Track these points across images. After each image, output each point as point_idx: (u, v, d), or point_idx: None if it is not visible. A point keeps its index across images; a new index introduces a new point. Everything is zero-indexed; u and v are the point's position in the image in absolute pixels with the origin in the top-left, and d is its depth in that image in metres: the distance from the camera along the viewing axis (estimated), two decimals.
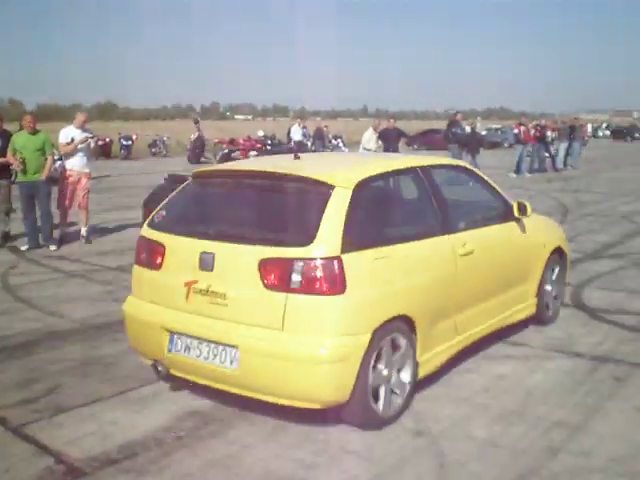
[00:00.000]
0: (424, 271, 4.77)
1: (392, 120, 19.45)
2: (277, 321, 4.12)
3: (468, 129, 22.48)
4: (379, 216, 4.88)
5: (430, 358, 4.82)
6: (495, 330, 5.80)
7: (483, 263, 5.41)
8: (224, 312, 4.32)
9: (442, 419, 4.55)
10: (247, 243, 4.34)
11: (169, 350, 4.56)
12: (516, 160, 23.84)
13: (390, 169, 5.32)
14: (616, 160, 33.55)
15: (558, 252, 6.82)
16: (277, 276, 4.15)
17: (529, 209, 5.99)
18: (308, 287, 4.09)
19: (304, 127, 30.87)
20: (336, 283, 4.09)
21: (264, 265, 4.18)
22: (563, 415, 4.59)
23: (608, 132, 72.95)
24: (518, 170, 23.60)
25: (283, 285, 4.12)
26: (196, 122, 31.58)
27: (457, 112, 22.79)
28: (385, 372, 4.40)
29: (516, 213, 5.97)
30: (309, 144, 30.64)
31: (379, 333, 4.25)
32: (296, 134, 29.32)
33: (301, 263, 4.10)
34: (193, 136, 30.62)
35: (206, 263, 4.39)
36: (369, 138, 18.72)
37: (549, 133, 25.67)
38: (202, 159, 29.93)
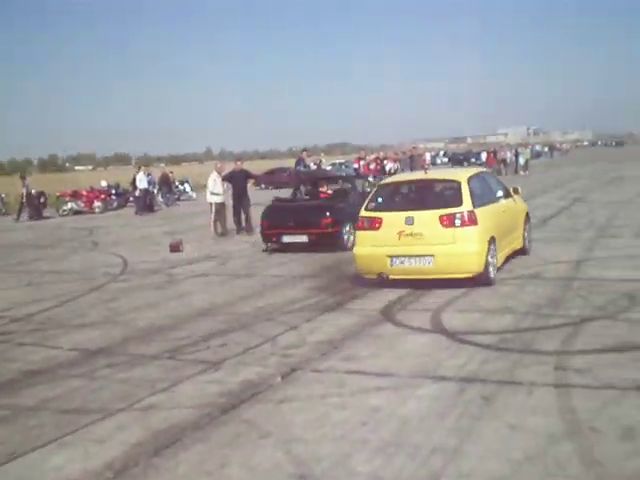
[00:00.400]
0: (495, 217, 10.40)
1: (239, 162, 19.60)
2: (451, 240, 9.52)
3: (313, 166, 23.06)
4: (478, 193, 10.19)
5: (499, 257, 10.28)
6: (510, 252, 11.26)
7: (507, 216, 11.21)
8: (421, 241, 9.60)
9: (322, 459, 4.58)
10: (430, 209, 9.86)
11: (390, 265, 9.78)
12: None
13: (475, 172, 11.45)
14: None
15: (527, 215, 12.60)
16: (448, 220, 9.54)
17: (520, 191, 12.39)
18: (462, 224, 9.52)
19: (149, 174, 30.67)
20: (473, 221, 9.55)
21: (441, 217, 9.58)
22: (439, 440, 4.74)
23: (446, 159, 77.14)
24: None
25: (451, 224, 9.53)
26: (23, 178, 30.81)
27: (304, 149, 23.28)
28: (490, 259, 9.78)
29: (512, 193, 11.97)
30: (155, 191, 30.43)
31: (489, 242, 9.74)
32: (142, 182, 29.14)
33: (459, 214, 9.55)
34: (24, 192, 29.81)
35: (409, 221, 9.68)
36: (215, 182, 18.76)
37: (391, 164, 26.81)
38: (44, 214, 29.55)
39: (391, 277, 9.81)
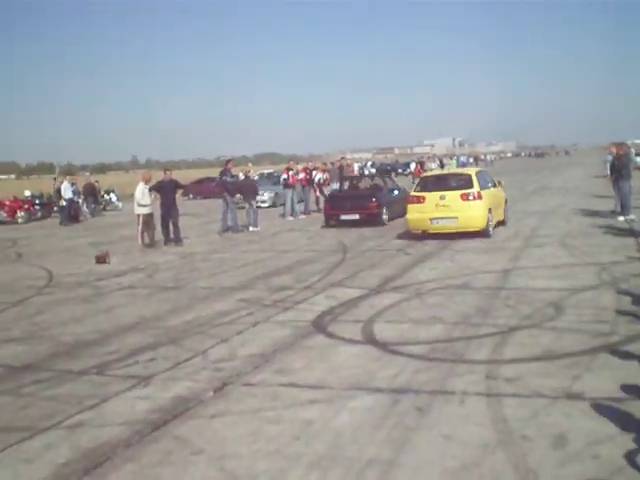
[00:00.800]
0: (490, 197, 16.74)
1: (168, 172, 19.31)
2: (467, 208, 15.89)
3: (242, 176, 23.05)
4: (481, 182, 16.63)
5: (493, 221, 16.70)
6: (497, 220, 17.42)
7: (496, 197, 17.59)
8: (450, 209, 15.97)
9: (257, 475, 4.52)
10: (454, 190, 16.42)
11: (431, 224, 16.14)
12: (288, 204, 24.79)
13: (478, 170, 19.26)
14: None
15: (506, 200, 18.92)
16: (466, 197, 16.00)
17: (503, 183, 19.29)
18: (474, 199, 16.02)
19: (74, 184, 30.04)
20: (480, 197, 16.06)
21: (462, 195, 16.08)
22: (374, 452, 4.74)
23: (374, 170, 77.65)
24: (292, 212, 24.58)
25: (467, 199, 16.00)
26: None
27: (229, 160, 23.22)
28: (489, 222, 16.25)
29: (497, 184, 18.28)
30: (80, 201, 29.87)
31: (488, 211, 16.22)
32: (67, 191, 28.55)
33: (472, 193, 16.08)
34: None
35: (443, 198, 16.12)
36: (142, 192, 18.44)
37: (320, 175, 26.91)
38: None
39: (430, 232, 16.35)
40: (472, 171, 17.83)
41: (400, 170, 69.39)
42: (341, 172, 28.28)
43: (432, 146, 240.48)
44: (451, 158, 58.35)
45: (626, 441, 4.69)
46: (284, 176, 25.23)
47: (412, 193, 17.14)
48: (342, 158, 31.29)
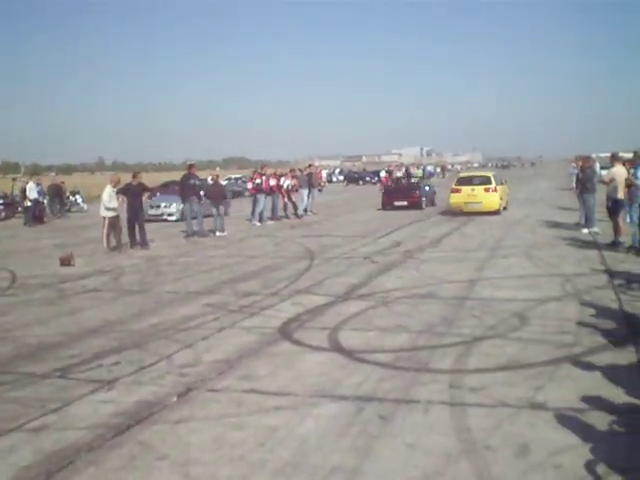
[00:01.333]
0: (501, 190, 26.76)
1: (137, 175, 19.15)
2: (488, 197, 25.65)
3: (210, 180, 23.00)
4: (497, 180, 26.84)
5: (502, 205, 26.77)
6: (503, 205, 27.19)
7: (504, 190, 27.86)
8: (477, 198, 25.67)
9: None
10: (480, 185, 26.28)
11: (465, 206, 25.78)
12: (260, 209, 24.76)
13: (494, 173, 30.57)
14: (352, 204, 36.06)
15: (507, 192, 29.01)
16: (487, 190, 25.83)
17: (505, 182, 29.30)
18: (492, 191, 25.81)
19: (39, 184, 29.70)
20: (495, 190, 25.87)
21: (485, 189, 25.91)
22: (338, 460, 4.75)
23: (342, 177, 78.02)
24: (261, 218, 24.57)
25: (489, 192, 25.77)
26: None
27: (192, 164, 23.20)
28: (501, 206, 26.41)
29: (504, 182, 28.62)
30: (45, 202, 29.52)
31: (500, 198, 26.33)
32: (32, 192, 28.25)
33: (490, 187, 25.95)
34: None
35: (473, 190, 26.01)
36: (110, 195, 18.24)
37: (288, 181, 26.92)
38: None
39: (464, 210, 25.40)
40: (490, 173, 28.99)
41: (368, 178, 69.72)
42: (309, 179, 28.38)
43: (400, 155, 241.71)
44: (418, 167, 58.71)
45: (587, 451, 4.75)
46: (258, 181, 25.20)
47: (453, 186, 27.15)
48: (310, 165, 31.33)
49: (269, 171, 26.55)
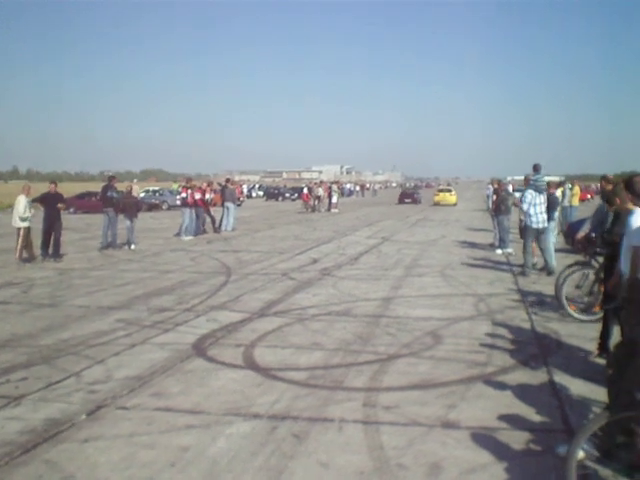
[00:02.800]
0: (455, 195, 59.88)
1: (53, 185, 18.71)
2: (452, 197, 57.64)
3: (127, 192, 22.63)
4: (454, 190, 61.91)
5: (457, 202, 58.87)
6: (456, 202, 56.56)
7: (457, 194, 61.02)
8: (447, 198, 57.27)
9: None
10: (447, 192, 59.76)
11: (442, 201, 56.54)
12: (186, 223, 24.51)
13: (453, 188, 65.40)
14: (271, 219, 36.02)
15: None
16: (451, 194, 58.80)
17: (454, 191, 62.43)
18: (453, 194, 58.35)
19: None
20: (455, 194, 59.64)
21: (450, 194, 58.38)
22: None
23: (261, 192, 78.01)
24: (186, 232, 24.30)
25: (452, 194, 58.66)
26: None
27: (112, 176, 22.86)
28: (457, 202, 58.20)
29: (454, 190, 62.94)
30: None
31: (456, 198, 59.87)
32: None
33: (453, 192, 59.46)
34: None
35: (444, 193, 58.82)
36: (24, 206, 17.65)
37: (207, 195, 26.76)
38: None
39: (441, 203, 55.69)
40: (452, 188, 64.45)
41: (287, 195, 69.91)
42: (224, 192, 28.29)
43: (320, 172, 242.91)
44: (338, 188, 59.35)
45: (499, 470, 4.84)
46: (184, 195, 24.98)
47: (436, 192, 60.44)
48: (228, 180, 31.16)
49: (198, 184, 26.42)
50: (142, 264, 17.15)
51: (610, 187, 9.69)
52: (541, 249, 15.09)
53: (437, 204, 55.41)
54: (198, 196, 25.55)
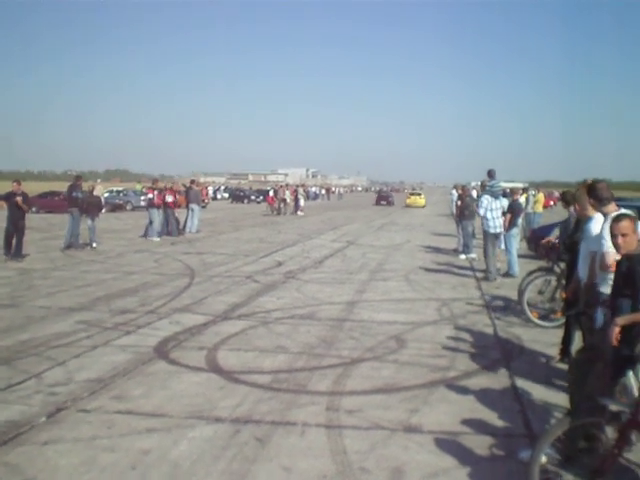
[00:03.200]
0: (425, 197, 71.92)
1: (16, 184, 18.39)
2: (421, 200, 65.96)
3: (100, 192, 22.47)
4: (424, 194, 73.61)
5: (425, 204, 66.33)
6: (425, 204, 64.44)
7: (425, 197, 70.70)
8: (417, 200, 65.20)
9: None
10: (418, 195, 69.62)
11: (413, 204, 64.29)
12: (155, 224, 24.38)
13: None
14: (236, 221, 35.87)
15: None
16: (420, 197, 67.38)
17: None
18: (422, 197, 67.81)
19: None
20: (423, 197, 68.96)
21: (420, 197, 68.19)
22: None
23: (227, 194, 77.71)
24: (155, 233, 24.09)
25: (421, 197, 68.75)
26: None
27: (79, 176, 22.65)
28: (426, 204, 65.45)
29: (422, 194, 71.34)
30: None
31: (425, 200, 68.09)
32: None
33: (422, 195, 69.27)
34: None
35: (415, 197, 67.61)
36: None
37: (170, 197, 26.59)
38: None
39: (412, 206, 62.45)
40: (422, 192, 75.21)
41: (253, 197, 69.73)
42: (188, 193, 28.14)
43: (286, 175, 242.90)
44: (304, 191, 59.48)
45: (461, 475, 4.88)
46: (150, 195, 24.79)
47: (408, 195, 69.84)
48: (193, 181, 30.99)
49: (166, 185, 26.24)
50: (105, 265, 16.96)
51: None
52: (493, 254, 15.21)
53: (409, 206, 62.90)
54: (170, 198, 25.52)
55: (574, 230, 7.98)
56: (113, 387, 6.96)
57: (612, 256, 5.51)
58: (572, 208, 10.48)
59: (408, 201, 65.19)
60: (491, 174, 15.78)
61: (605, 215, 5.93)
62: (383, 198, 72.70)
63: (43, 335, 9.19)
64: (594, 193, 6.18)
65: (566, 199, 8.85)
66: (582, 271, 6.44)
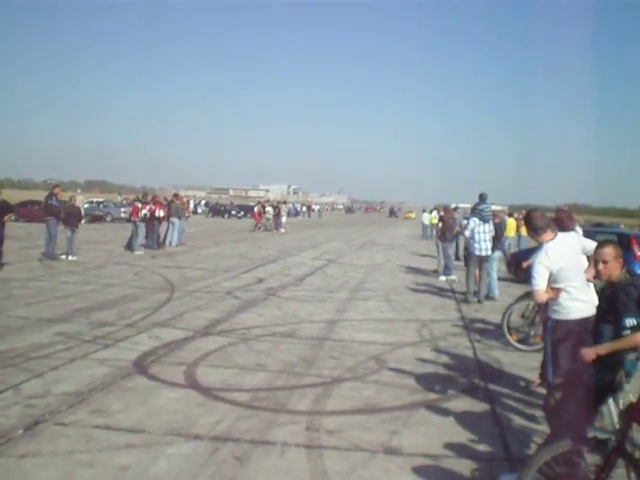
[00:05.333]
0: (415, 213, 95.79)
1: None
2: (412, 214, 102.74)
3: (80, 203, 22.40)
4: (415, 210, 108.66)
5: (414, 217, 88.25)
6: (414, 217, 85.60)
7: (415, 213, 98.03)
8: (411, 214, 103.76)
9: None
10: (411, 212, 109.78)
11: (409, 217, 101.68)
12: (140, 237, 24.37)
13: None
14: (216, 236, 35.80)
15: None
16: (411, 212, 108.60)
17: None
18: (411, 213, 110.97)
19: None
20: (413, 213, 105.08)
21: (410, 214, 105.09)
22: None
23: (207, 208, 77.64)
24: (137, 246, 24.01)
25: (412, 213, 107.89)
26: None
27: (56, 185, 22.56)
28: (414, 218, 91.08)
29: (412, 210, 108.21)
30: None
31: (415, 215, 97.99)
32: None
33: (413, 213, 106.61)
34: None
35: (410, 212, 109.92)
36: None
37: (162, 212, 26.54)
38: None
39: (408, 218, 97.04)
40: (413, 210, 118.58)
41: (234, 212, 69.67)
42: (170, 207, 28.05)
43: (267, 191, 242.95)
44: (285, 204, 59.55)
45: None
46: (144, 211, 24.82)
47: (406, 211, 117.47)
48: (176, 195, 30.90)
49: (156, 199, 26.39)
50: (84, 276, 16.85)
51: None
52: (481, 277, 15.32)
53: (407, 218, 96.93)
54: (162, 213, 25.63)
55: None
56: (91, 401, 6.91)
57: (541, 294, 5.61)
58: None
59: (406, 215, 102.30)
60: (482, 197, 15.93)
61: (540, 244, 5.95)
62: (393, 213, 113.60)
63: (21, 346, 9.10)
64: (530, 223, 6.10)
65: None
66: None
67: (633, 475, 4.04)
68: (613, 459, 4.06)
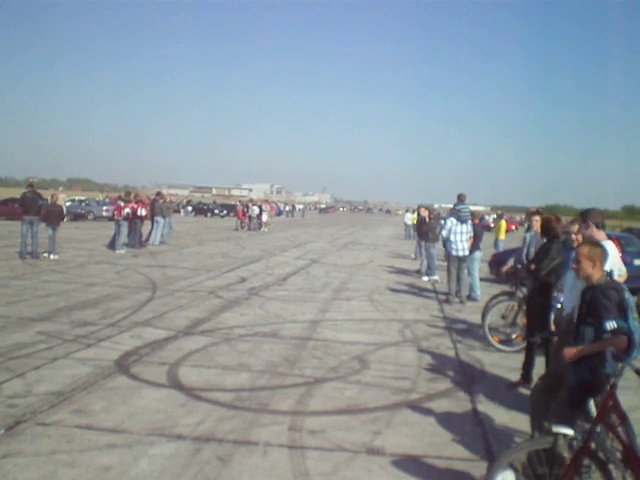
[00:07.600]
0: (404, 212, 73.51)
1: None
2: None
3: (49, 200, 22.21)
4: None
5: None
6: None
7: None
8: (400, 212, 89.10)
9: None
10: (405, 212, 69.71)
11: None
12: (123, 236, 24.40)
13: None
14: (200, 235, 35.71)
15: None
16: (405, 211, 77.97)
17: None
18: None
19: None
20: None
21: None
22: None
23: (190, 208, 77.40)
24: (120, 246, 23.94)
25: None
26: None
27: (30, 184, 22.52)
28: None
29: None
30: None
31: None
32: None
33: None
34: None
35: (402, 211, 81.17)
36: None
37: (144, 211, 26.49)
38: None
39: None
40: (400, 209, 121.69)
41: (217, 211, 69.56)
42: (153, 206, 27.99)
43: (250, 190, 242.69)
44: (268, 204, 59.50)
45: None
46: (127, 210, 24.74)
47: (396, 210, 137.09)
48: (159, 193, 30.80)
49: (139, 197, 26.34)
50: (66, 275, 16.77)
51: (538, 219, 10.06)
52: (460, 277, 15.38)
53: (397, 215, 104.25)
54: (144, 212, 25.56)
55: (541, 256, 8.05)
56: (73, 401, 6.87)
57: None
58: (532, 232, 10.68)
59: (397, 212, 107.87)
60: (461, 198, 15.97)
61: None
62: (387, 212, 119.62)
63: (2, 345, 9.04)
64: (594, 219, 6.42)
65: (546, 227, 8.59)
66: (568, 301, 6.40)
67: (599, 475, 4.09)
68: (578, 459, 4.10)
